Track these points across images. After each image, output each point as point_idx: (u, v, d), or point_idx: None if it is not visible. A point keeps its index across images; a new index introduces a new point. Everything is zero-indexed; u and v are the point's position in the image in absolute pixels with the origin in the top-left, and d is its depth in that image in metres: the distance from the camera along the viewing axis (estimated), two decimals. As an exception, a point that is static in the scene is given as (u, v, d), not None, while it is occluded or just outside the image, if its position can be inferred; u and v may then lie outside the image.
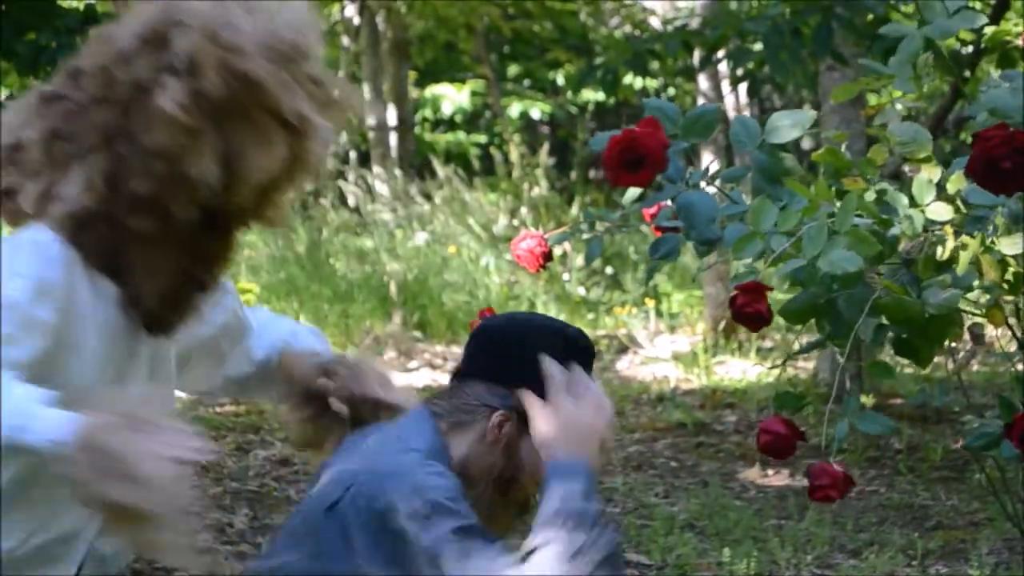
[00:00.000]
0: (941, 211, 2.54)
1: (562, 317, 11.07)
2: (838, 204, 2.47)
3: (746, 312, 2.48)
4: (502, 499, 2.69)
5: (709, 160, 10.75)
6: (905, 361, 2.79)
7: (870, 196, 2.51)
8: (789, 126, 2.63)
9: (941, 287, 2.43)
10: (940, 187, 2.56)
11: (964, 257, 2.40)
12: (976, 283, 2.47)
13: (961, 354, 7.84)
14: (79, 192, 2.74)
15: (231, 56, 2.68)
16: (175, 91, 2.68)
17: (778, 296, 3.07)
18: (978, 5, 5.74)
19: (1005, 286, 2.50)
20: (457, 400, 2.68)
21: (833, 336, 2.52)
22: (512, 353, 2.66)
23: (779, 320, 2.72)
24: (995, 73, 4.95)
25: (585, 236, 2.96)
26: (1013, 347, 3.17)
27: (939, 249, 2.45)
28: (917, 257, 2.49)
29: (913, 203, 2.52)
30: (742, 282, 2.46)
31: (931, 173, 2.54)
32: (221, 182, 2.75)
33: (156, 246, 2.84)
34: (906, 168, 2.81)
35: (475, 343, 2.75)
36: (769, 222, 2.40)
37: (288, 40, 2.76)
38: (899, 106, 3.11)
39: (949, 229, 2.46)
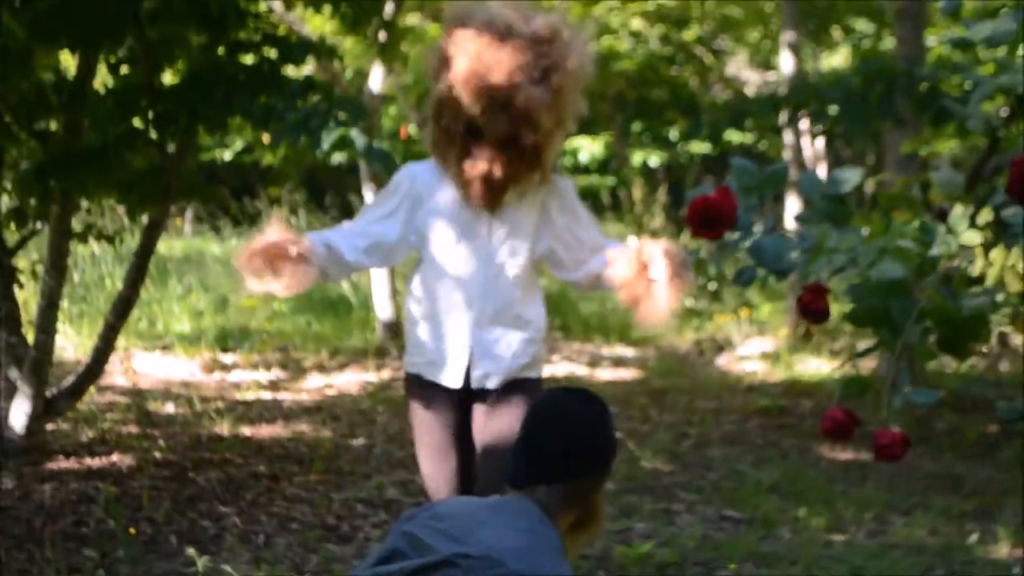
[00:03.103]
0: (972, 237, 2.53)
1: (673, 325, 11.09)
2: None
3: (810, 308, 2.50)
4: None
5: (791, 202, 10.69)
6: (948, 362, 2.79)
7: (915, 225, 2.51)
8: (843, 181, 2.64)
9: (973, 296, 2.43)
10: (972, 219, 2.56)
11: (992, 272, 2.40)
12: (1001, 296, 2.46)
13: (991, 355, 7.74)
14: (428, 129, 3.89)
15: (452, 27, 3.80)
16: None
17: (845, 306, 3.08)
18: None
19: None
20: (570, 497, 2.70)
21: (887, 338, 2.53)
22: (592, 452, 2.74)
23: (845, 326, 2.74)
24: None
25: (703, 260, 2.95)
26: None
27: (971, 267, 2.46)
28: (954, 274, 2.50)
29: (950, 231, 2.52)
30: (807, 283, 2.50)
31: (965, 208, 2.55)
32: (450, 101, 3.74)
33: (447, 149, 3.80)
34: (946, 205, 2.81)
35: (572, 456, 2.72)
36: (832, 244, 2.42)
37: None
38: (947, 158, 3.12)
39: (979, 251, 2.46)
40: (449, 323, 3.84)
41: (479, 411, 3.86)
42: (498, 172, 3.74)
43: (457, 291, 3.84)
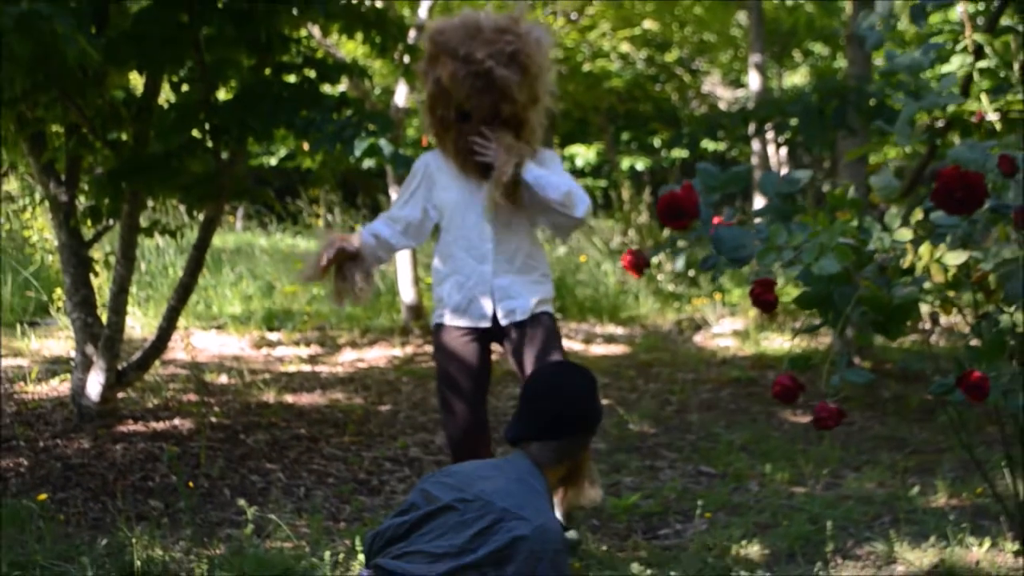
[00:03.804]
0: (904, 234, 2.53)
1: (657, 307, 11.09)
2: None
3: (761, 299, 2.52)
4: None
5: (758, 200, 10.68)
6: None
7: (854, 224, 2.53)
8: (796, 180, 2.65)
9: (904, 285, 2.44)
10: (906, 218, 2.57)
11: (920, 265, 2.42)
12: (927, 284, 2.48)
13: (927, 332, 7.73)
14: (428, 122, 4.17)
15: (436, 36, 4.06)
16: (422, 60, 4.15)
17: (796, 291, 3.08)
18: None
19: (948, 287, 2.51)
20: (559, 453, 2.77)
21: (830, 320, 2.54)
22: (578, 414, 2.81)
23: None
24: (958, 140, 4.87)
25: (676, 249, 2.97)
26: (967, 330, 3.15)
27: (902, 260, 2.47)
28: (888, 265, 2.51)
29: (886, 228, 2.53)
30: (760, 277, 2.51)
31: (899, 208, 2.56)
32: (440, 92, 4.02)
33: (445, 136, 4.07)
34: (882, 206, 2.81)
35: (560, 417, 2.80)
36: (781, 240, 2.43)
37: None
38: (891, 165, 3.12)
39: (910, 246, 2.47)
40: (471, 276, 4.09)
41: (509, 339, 4.12)
42: (473, 153, 4.02)
43: (473, 249, 4.09)
